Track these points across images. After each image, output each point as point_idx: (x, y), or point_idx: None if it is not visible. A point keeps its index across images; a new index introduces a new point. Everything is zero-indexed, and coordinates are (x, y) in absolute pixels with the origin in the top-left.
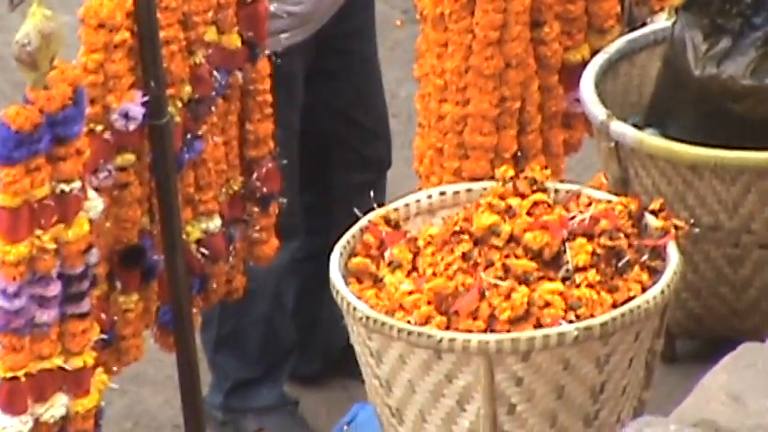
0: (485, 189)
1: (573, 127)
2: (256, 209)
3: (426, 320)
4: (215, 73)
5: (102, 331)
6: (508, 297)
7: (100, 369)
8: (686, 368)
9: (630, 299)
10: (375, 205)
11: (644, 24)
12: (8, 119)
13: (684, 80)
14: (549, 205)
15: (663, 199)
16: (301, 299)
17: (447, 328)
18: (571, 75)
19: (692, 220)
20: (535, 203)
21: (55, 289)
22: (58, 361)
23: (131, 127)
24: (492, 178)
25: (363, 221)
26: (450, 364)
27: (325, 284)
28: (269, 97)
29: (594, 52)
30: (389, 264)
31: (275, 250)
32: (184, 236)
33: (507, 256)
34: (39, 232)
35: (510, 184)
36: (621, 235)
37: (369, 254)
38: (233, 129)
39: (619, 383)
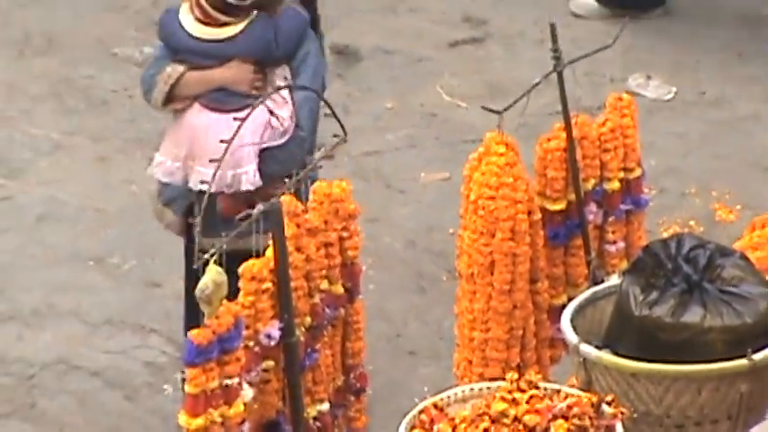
0: (498, 386)
1: (556, 347)
2: (352, 398)
3: None
4: (326, 309)
5: None
6: None
7: None
8: None
9: None
10: (428, 397)
11: (603, 281)
12: (192, 337)
13: (628, 318)
14: (540, 398)
15: (613, 395)
16: None
17: None
18: (555, 313)
19: (632, 409)
20: (531, 396)
21: None
22: None
23: (272, 344)
24: (503, 380)
25: (420, 406)
26: None
27: None
28: (362, 325)
29: (570, 299)
30: None
31: (365, 424)
32: (305, 414)
33: (514, 430)
34: (210, 410)
35: (515, 384)
36: (587, 418)
37: (424, 427)
38: (337, 345)
39: None
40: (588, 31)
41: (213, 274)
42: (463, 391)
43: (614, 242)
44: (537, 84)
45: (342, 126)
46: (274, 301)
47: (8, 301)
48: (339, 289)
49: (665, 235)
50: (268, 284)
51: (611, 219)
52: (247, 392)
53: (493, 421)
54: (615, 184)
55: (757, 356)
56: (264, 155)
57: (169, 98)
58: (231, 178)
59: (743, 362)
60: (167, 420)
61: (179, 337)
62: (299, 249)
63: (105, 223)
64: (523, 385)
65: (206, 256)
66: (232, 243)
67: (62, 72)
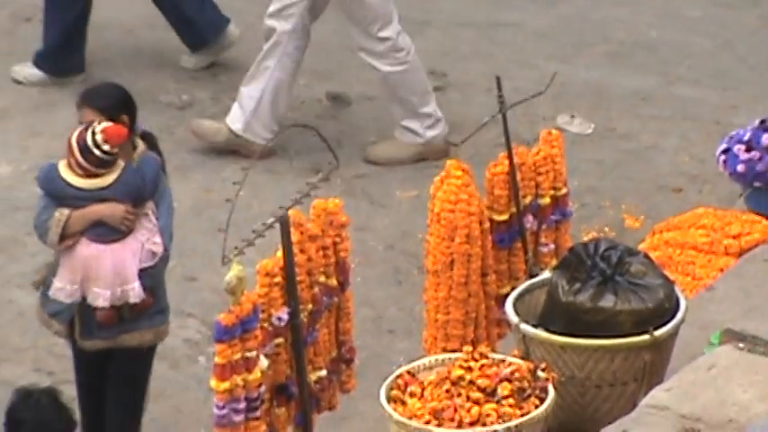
0: (457, 357)
1: (501, 326)
2: (344, 366)
3: (427, 422)
4: (324, 297)
5: (266, 427)
6: (469, 411)
7: None
8: None
9: (530, 412)
10: (403, 365)
11: (537, 275)
12: (221, 320)
13: (557, 303)
14: (489, 365)
15: (546, 363)
16: None
17: (439, 426)
18: (501, 300)
19: (561, 374)
20: (483, 365)
21: (242, 405)
22: None
23: (282, 325)
24: (461, 352)
25: (397, 373)
26: None
27: None
28: (352, 310)
29: (512, 289)
30: (410, 394)
31: (354, 386)
32: (308, 379)
33: (469, 391)
34: (235, 376)
35: (470, 355)
36: (526, 381)
37: (400, 389)
38: (333, 326)
39: None
40: (526, 80)
41: (236, 271)
42: (430, 361)
43: (546, 245)
44: (486, 122)
45: (335, 155)
46: (283, 292)
47: None
48: (333, 282)
49: (586, 239)
50: (278, 278)
51: (543, 227)
52: (263, 363)
53: (453, 384)
54: (547, 200)
55: (657, 333)
56: (141, 273)
57: (62, 238)
58: (121, 293)
59: (646, 337)
60: (201, 384)
61: (211, 319)
62: (302, 251)
63: None
64: (476, 356)
65: (231, 255)
66: (111, 342)
67: None
